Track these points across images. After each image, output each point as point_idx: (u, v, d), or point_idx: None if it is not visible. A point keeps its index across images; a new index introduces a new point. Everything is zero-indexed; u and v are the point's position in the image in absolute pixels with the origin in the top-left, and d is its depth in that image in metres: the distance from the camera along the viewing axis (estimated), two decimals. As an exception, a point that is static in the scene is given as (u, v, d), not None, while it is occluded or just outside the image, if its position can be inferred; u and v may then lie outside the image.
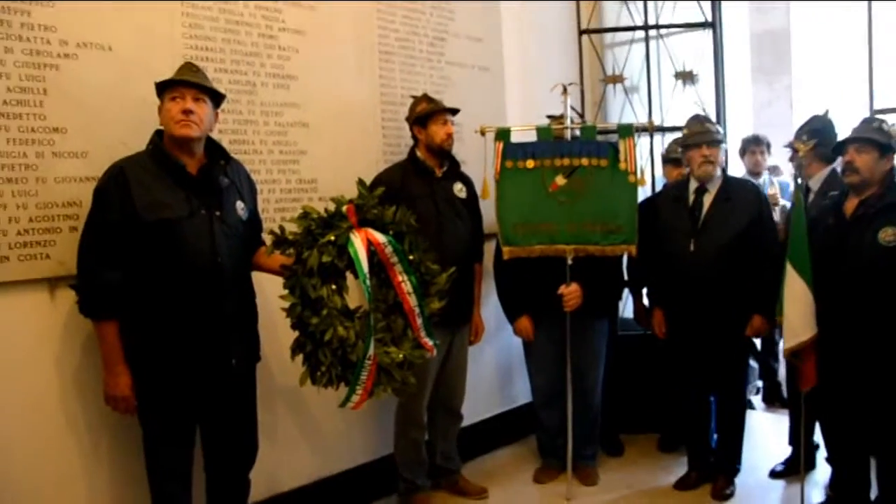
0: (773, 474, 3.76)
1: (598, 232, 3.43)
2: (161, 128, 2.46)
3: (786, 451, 3.83)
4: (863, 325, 2.91)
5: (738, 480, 3.60)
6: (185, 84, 2.42)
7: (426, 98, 3.37)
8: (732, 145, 4.87)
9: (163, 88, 2.43)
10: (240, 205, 2.58)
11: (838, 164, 3.40)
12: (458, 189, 3.40)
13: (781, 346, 3.48)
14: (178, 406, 2.46)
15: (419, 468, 3.44)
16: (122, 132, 2.60)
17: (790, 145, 3.48)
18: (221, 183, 2.52)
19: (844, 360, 2.98)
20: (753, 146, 4.92)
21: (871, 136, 2.93)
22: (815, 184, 3.56)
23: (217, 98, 2.55)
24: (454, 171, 3.43)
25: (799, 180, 3.34)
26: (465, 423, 3.74)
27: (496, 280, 3.74)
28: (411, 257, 2.66)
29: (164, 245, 2.36)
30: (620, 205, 3.42)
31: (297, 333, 2.51)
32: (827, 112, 3.63)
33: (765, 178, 4.92)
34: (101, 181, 2.37)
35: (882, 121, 3.04)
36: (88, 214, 2.37)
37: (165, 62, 2.63)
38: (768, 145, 4.96)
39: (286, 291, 2.50)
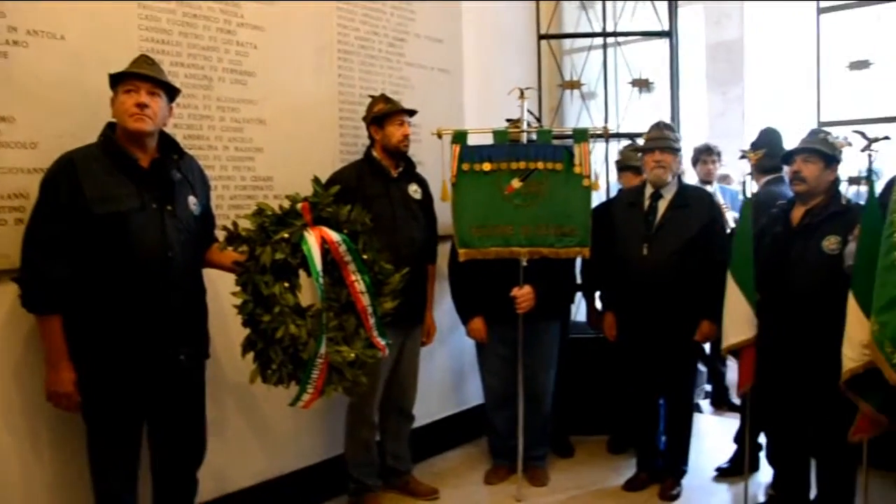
0: (719, 471, 3.85)
1: (553, 235, 3.46)
2: (113, 120, 2.42)
3: (731, 451, 3.93)
4: (805, 331, 3.00)
5: (685, 482, 3.67)
6: (141, 77, 2.38)
7: (384, 98, 3.37)
8: (686, 154, 4.95)
9: (117, 80, 2.38)
10: (192, 200, 2.55)
11: (785, 174, 3.50)
12: (413, 190, 3.40)
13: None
14: (124, 403, 2.42)
15: (369, 468, 3.43)
16: (72, 123, 2.55)
17: (743, 155, 3.56)
18: (173, 177, 2.48)
19: (786, 365, 3.08)
20: (705, 156, 5.01)
21: (817, 146, 3.02)
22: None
23: (172, 92, 2.51)
24: (410, 172, 3.44)
25: (748, 193, 3.41)
26: (417, 423, 3.74)
27: (450, 281, 3.76)
28: (365, 256, 2.66)
29: (114, 239, 2.31)
30: (575, 208, 3.46)
31: (248, 331, 2.49)
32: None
33: (715, 187, 5.02)
34: (50, 172, 2.32)
35: (827, 133, 3.14)
36: (35, 206, 2.31)
37: (120, 54, 2.57)
38: (719, 154, 5.06)
39: (238, 288, 2.48)
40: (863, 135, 2.95)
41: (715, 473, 3.86)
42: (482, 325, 3.67)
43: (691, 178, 5.15)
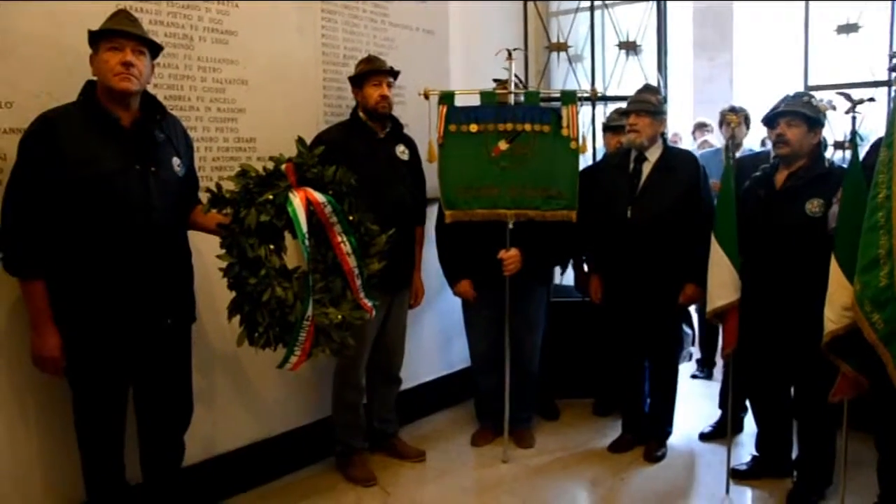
0: (702, 436, 3.89)
1: (539, 197, 3.45)
2: (93, 79, 2.36)
3: (716, 414, 3.99)
4: (788, 293, 3.03)
5: (669, 443, 3.72)
6: (126, 35, 2.32)
7: (367, 59, 3.33)
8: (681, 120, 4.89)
9: (98, 38, 2.32)
10: (175, 161, 2.51)
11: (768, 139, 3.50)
12: (401, 151, 3.37)
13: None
14: (109, 367, 2.40)
15: (357, 431, 3.44)
16: (49, 81, 2.49)
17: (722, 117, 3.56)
18: (157, 138, 2.44)
19: (769, 327, 3.11)
20: (730, 116, 4.90)
21: (800, 109, 3.01)
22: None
23: (155, 50, 2.46)
24: (397, 133, 3.39)
25: (731, 155, 3.41)
26: (404, 386, 3.76)
27: (437, 244, 3.74)
28: (351, 217, 2.64)
29: (96, 200, 2.27)
30: (562, 171, 3.45)
31: (233, 294, 2.47)
32: None
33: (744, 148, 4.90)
34: (28, 132, 2.26)
35: (811, 96, 3.13)
36: (13, 168, 2.26)
37: (98, 10, 2.48)
38: (747, 118, 4.93)
39: (223, 251, 2.45)
40: (847, 97, 2.95)
41: (698, 436, 3.90)
42: (469, 286, 3.67)
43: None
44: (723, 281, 3.11)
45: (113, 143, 2.32)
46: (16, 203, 2.24)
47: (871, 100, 3.04)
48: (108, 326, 2.35)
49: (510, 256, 3.49)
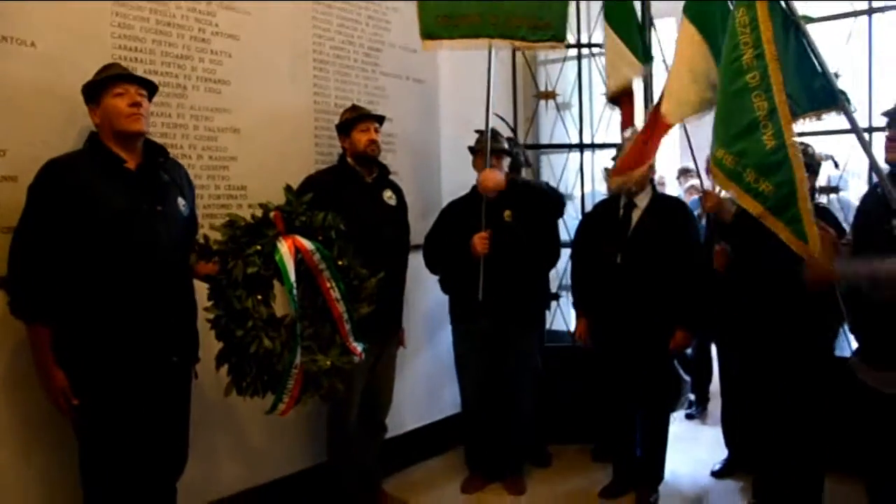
0: (714, 474, 3.94)
1: (525, 27, 3.43)
2: (94, 129, 2.41)
3: (712, 457, 4.03)
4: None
5: (661, 488, 3.68)
6: (130, 79, 2.39)
7: (352, 108, 3.37)
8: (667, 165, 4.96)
9: (100, 88, 2.37)
10: (181, 201, 2.55)
11: None
12: (388, 196, 3.39)
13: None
14: (117, 410, 2.36)
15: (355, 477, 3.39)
16: (44, 130, 2.53)
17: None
18: (162, 178, 2.48)
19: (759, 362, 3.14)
20: None
21: None
22: None
23: (151, 94, 2.52)
24: (383, 179, 3.42)
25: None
26: (394, 433, 3.73)
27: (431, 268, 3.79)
28: (340, 263, 2.65)
29: (105, 240, 2.30)
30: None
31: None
32: None
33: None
34: (37, 178, 2.29)
35: (807, 144, 3.22)
36: (23, 213, 2.29)
37: (93, 61, 2.54)
38: None
39: (210, 303, 2.47)
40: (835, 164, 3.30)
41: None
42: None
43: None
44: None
45: (120, 184, 2.36)
46: (24, 247, 2.26)
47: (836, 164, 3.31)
48: (115, 365, 2.34)
49: (480, 237, 3.48)
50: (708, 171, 3.91)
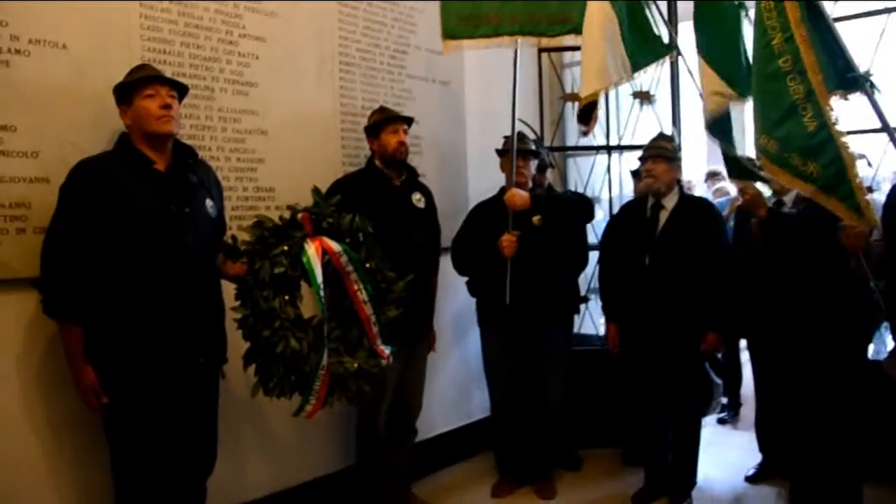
0: (748, 479, 3.87)
1: (545, 22, 3.42)
2: (125, 130, 2.42)
3: (745, 462, 3.96)
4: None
5: (694, 493, 3.62)
6: (161, 80, 2.41)
7: (380, 109, 3.36)
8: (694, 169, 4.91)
9: (131, 90, 2.38)
10: (209, 202, 2.55)
11: None
12: (417, 199, 3.37)
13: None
14: (147, 411, 2.37)
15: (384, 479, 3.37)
16: (74, 132, 2.54)
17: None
18: (190, 180, 2.49)
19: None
20: None
21: None
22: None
23: (182, 95, 2.53)
24: (412, 181, 3.40)
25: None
26: (422, 437, 3.70)
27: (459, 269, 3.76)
28: (368, 265, 2.64)
29: (134, 241, 2.31)
30: None
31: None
32: None
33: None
34: (69, 179, 2.31)
35: None
36: (55, 214, 2.30)
37: (122, 63, 2.56)
38: None
39: (237, 303, 2.46)
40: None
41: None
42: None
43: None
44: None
45: (149, 185, 2.37)
46: (56, 247, 2.28)
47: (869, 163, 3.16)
48: (144, 365, 2.35)
49: (507, 239, 3.45)
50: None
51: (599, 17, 3.21)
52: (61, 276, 2.27)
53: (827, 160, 2.39)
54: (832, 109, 2.45)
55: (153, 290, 2.34)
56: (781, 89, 2.47)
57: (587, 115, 3.45)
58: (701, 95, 3.35)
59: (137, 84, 2.38)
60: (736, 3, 3.09)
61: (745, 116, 3.19)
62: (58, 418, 2.55)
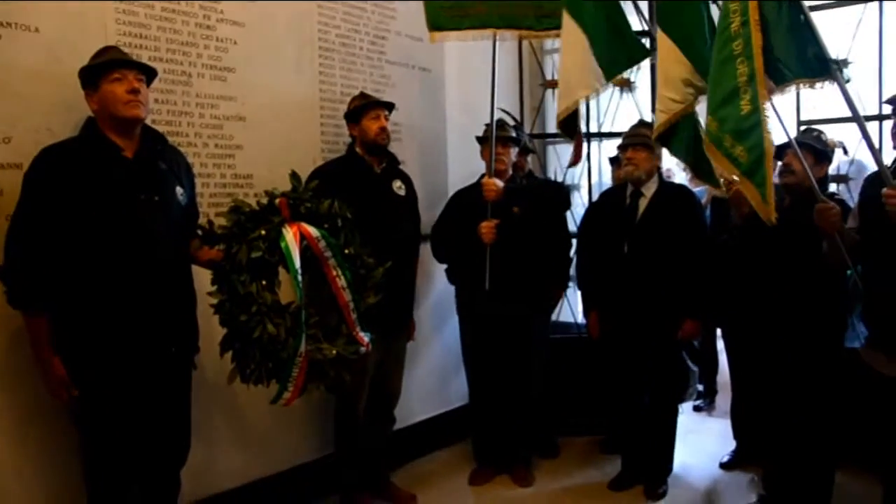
0: (723, 466, 3.91)
1: (532, 16, 3.42)
2: (91, 115, 2.37)
3: (720, 449, 4.00)
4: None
5: (670, 480, 3.66)
6: (128, 64, 2.35)
7: (360, 95, 3.34)
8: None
9: (99, 72, 2.33)
10: (178, 190, 2.51)
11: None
12: (398, 186, 3.36)
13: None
14: (116, 400, 2.35)
15: (357, 471, 3.38)
16: (47, 117, 2.50)
17: None
18: (159, 167, 2.45)
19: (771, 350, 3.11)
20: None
21: (809, 142, 3.05)
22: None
23: (150, 78, 2.48)
24: (393, 168, 3.39)
25: None
26: (400, 425, 3.70)
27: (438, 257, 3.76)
28: (347, 251, 2.63)
29: (101, 230, 2.27)
30: None
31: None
32: None
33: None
34: (32, 167, 2.26)
35: (820, 131, 3.19)
36: (18, 202, 2.26)
37: (96, 47, 2.50)
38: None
39: (214, 287, 2.44)
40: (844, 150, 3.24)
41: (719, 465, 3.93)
42: None
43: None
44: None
45: (116, 173, 2.32)
46: (20, 237, 2.23)
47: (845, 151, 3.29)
48: (113, 355, 2.32)
49: (486, 226, 3.45)
50: None
51: (569, 38, 3.28)
52: (25, 266, 2.22)
53: (751, 144, 2.44)
54: (768, 98, 2.51)
55: (122, 279, 2.31)
56: (730, 72, 2.51)
57: (570, 129, 3.47)
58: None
59: (104, 68, 2.33)
60: None
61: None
62: (23, 411, 2.49)
